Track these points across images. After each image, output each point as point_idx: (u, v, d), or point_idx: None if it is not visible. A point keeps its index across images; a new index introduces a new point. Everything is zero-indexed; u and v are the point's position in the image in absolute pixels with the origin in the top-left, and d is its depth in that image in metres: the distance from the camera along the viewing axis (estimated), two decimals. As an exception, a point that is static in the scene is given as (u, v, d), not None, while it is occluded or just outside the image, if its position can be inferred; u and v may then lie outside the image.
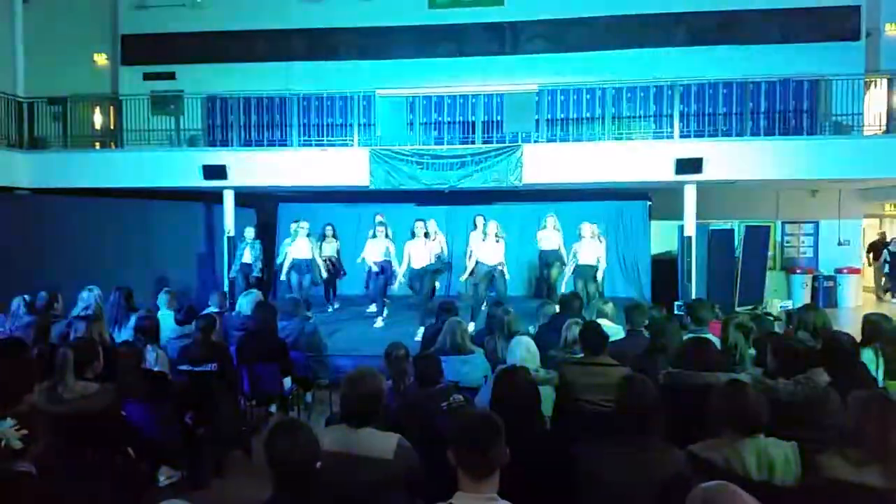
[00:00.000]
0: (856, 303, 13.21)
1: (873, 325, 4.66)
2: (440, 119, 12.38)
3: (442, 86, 12.37)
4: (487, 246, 8.88)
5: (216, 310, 7.04)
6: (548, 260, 10.11)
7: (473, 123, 11.96)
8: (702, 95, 11.54)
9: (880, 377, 4.29)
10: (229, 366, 5.53)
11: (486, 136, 11.71)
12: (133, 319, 6.38)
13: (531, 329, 6.40)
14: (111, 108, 12.95)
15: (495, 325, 5.57)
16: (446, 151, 11.25)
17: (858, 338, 4.71)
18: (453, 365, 4.76)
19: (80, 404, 3.79)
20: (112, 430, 3.83)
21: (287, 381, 5.99)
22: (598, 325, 4.75)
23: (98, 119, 12.79)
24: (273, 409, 6.31)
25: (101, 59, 14.54)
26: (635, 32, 12.94)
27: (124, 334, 6.36)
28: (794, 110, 11.73)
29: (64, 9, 13.84)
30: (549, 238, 10.10)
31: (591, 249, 9.29)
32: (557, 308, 6.44)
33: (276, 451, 2.42)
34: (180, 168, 11.57)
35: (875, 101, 11.39)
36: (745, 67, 11.97)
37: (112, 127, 12.82)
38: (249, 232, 10.92)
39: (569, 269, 9.38)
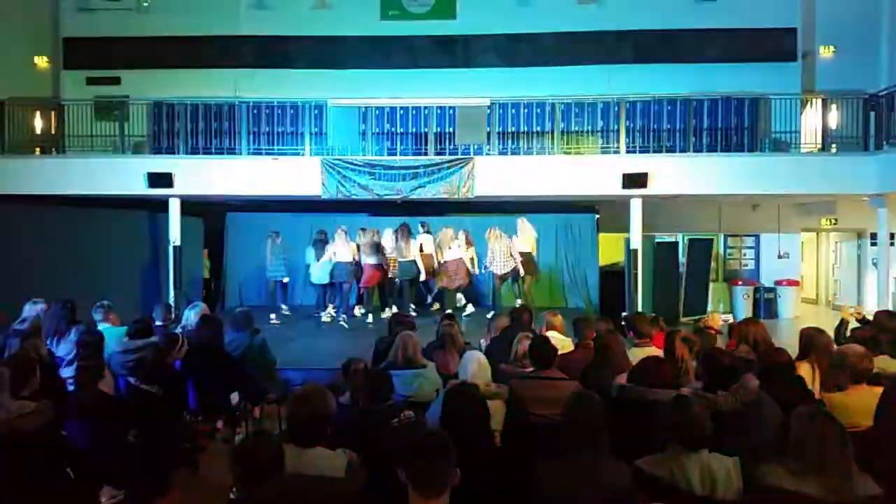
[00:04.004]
0: (794, 314, 13.69)
1: (810, 339, 4.83)
2: (393, 130, 12.38)
3: (394, 97, 12.38)
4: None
5: (160, 323, 6.85)
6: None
7: (426, 135, 12.00)
8: (647, 112, 11.84)
9: (817, 390, 4.45)
10: (175, 382, 5.40)
11: (438, 147, 11.76)
12: (73, 333, 6.19)
13: (482, 342, 6.45)
14: (52, 112, 12.52)
15: (446, 339, 5.59)
16: (399, 162, 11.26)
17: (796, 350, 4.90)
18: (405, 379, 4.75)
19: (16, 424, 3.65)
20: (50, 450, 3.70)
21: (234, 396, 5.87)
22: (548, 338, 4.81)
23: (38, 124, 12.34)
24: (220, 424, 6.18)
25: (42, 62, 14.09)
26: (584, 49, 13.24)
27: (65, 348, 6.13)
28: (735, 127, 12.14)
29: (3, 9, 13.36)
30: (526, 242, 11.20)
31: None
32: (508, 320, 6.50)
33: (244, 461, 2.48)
34: (124, 175, 11.26)
35: (811, 120, 11.86)
36: (689, 85, 12.35)
37: (53, 132, 12.40)
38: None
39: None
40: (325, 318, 11.18)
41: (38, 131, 12.38)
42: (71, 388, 5.10)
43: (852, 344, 4.39)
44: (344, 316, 10.89)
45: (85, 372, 4.53)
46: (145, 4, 13.55)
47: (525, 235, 11.24)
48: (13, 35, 13.50)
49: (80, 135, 12.09)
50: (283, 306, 11.77)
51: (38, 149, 12.41)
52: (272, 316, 11.23)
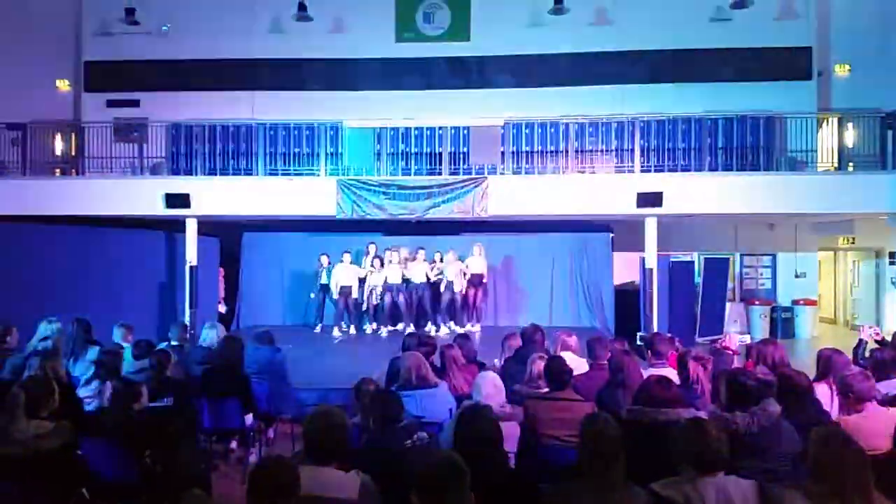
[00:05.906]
0: (812, 334, 13.52)
1: (827, 360, 4.77)
2: (407, 150, 12.47)
3: (409, 117, 12.48)
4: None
5: (176, 342, 6.89)
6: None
7: (440, 154, 12.08)
8: (662, 131, 11.84)
9: (835, 412, 4.39)
10: (187, 401, 5.41)
11: (452, 167, 11.82)
12: (90, 352, 6.24)
13: (496, 362, 6.42)
14: (73, 134, 12.75)
15: (445, 360, 5.63)
16: (413, 182, 11.33)
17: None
18: (418, 399, 4.73)
19: (33, 444, 3.68)
20: (66, 470, 3.72)
21: (248, 417, 5.88)
22: (562, 359, 4.79)
23: (59, 146, 12.56)
24: (234, 444, 6.20)
25: (63, 85, 14.38)
26: (597, 69, 13.27)
27: (80, 368, 6.18)
28: (750, 146, 12.09)
29: (27, 34, 13.67)
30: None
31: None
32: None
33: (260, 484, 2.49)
34: (143, 196, 11.40)
35: (827, 139, 11.80)
36: (704, 104, 12.35)
37: (74, 154, 12.61)
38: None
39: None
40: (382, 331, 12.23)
41: (59, 153, 12.61)
42: (88, 407, 5.14)
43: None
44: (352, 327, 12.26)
45: (126, 391, 4.54)
46: (165, 29, 13.82)
47: (478, 259, 12.09)
48: (36, 59, 13.80)
49: (99, 156, 12.29)
50: (343, 323, 12.31)
51: (58, 170, 12.63)
52: (335, 329, 12.13)
